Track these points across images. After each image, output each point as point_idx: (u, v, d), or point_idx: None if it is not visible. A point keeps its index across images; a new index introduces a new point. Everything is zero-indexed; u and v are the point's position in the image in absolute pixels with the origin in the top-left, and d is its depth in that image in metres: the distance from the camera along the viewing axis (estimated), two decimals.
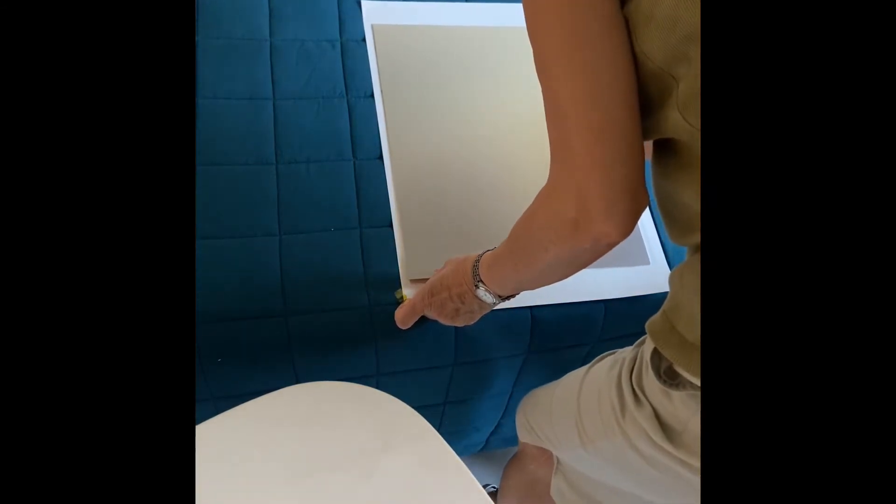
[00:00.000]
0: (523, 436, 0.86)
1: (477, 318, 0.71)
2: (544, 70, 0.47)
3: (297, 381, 0.76)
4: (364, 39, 1.02)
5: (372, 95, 0.96)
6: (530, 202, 0.54)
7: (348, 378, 0.71)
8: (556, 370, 0.80)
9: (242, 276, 0.78)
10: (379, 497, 0.57)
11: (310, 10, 1.02)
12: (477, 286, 0.64)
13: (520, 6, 1.13)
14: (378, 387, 0.67)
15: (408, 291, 0.79)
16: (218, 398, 0.79)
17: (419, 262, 0.82)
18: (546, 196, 0.51)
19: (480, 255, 0.65)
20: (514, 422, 1.04)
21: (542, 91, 0.48)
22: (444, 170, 0.91)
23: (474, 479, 0.59)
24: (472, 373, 0.88)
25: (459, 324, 0.72)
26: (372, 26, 1.04)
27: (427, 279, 0.79)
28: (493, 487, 1.11)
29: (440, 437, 0.61)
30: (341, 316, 0.78)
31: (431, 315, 0.73)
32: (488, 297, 0.65)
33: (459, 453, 0.60)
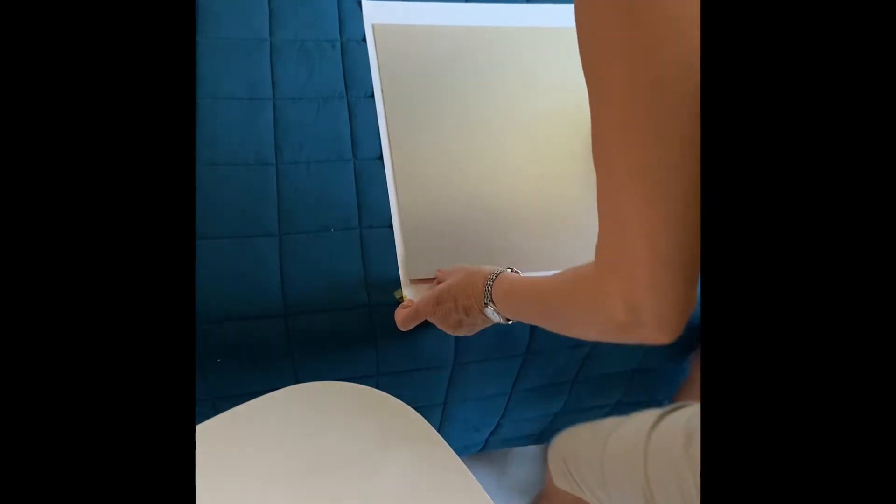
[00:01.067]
0: (560, 482, 0.80)
1: (478, 330, 0.70)
2: (604, 164, 0.43)
3: (297, 381, 0.76)
4: (364, 39, 1.02)
5: (372, 96, 0.96)
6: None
7: (348, 378, 0.71)
8: (556, 370, 0.80)
9: (242, 276, 0.77)
10: (379, 497, 0.57)
11: (310, 10, 1.02)
12: (486, 304, 0.63)
13: (520, 6, 1.13)
14: (378, 387, 0.67)
15: (407, 291, 0.79)
16: (218, 398, 0.79)
17: (419, 263, 0.82)
18: (592, 291, 0.47)
19: (496, 274, 0.63)
20: (513, 422, 1.04)
21: (598, 180, 0.44)
22: (444, 170, 0.91)
23: (474, 479, 0.59)
24: (471, 373, 0.88)
25: (460, 334, 0.71)
26: (372, 26, 1.03)
27: (427, 279, 0.78)
28: None
29: (440, 437, 0.61)
30: (341, 316, 0.78)
31: (433, 322, 0.73)
32: (496, 317, 0.64)
33: (459, 453, 0.60)
